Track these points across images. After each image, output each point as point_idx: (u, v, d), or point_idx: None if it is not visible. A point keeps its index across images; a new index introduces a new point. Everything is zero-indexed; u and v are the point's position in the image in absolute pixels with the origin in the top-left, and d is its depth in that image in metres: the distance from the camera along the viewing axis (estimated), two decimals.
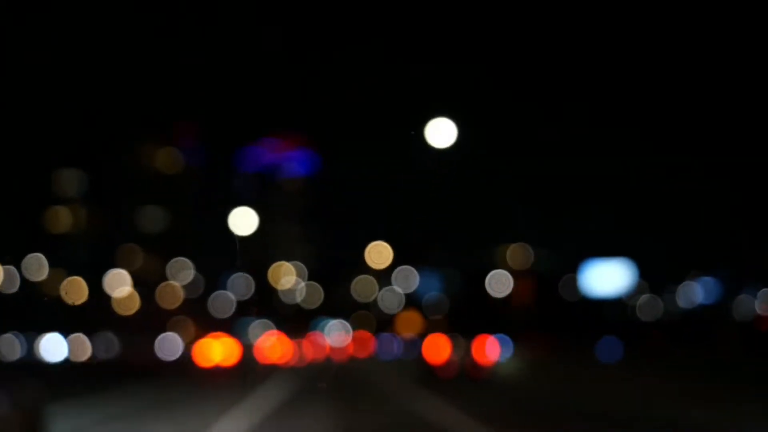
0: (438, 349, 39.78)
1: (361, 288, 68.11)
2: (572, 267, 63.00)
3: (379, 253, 65.63)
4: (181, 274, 59.14)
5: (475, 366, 35.98)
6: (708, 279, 60.53)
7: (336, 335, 73.16)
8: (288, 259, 69.56)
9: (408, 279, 67.39)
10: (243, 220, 47.74)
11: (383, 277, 68.92)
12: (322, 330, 72.95)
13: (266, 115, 66.86)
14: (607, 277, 60.37)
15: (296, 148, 70.57)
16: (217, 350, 45.81)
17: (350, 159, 61.58)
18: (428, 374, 35.19)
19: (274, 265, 63.10)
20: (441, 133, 29.30)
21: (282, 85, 65.41)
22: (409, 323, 66.62)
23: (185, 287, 59.01)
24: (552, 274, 64.52)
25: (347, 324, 73.15)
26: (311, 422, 17.96)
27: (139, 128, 60.86)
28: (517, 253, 64.62)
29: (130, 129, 59.49)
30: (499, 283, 62.12)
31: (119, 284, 53.59)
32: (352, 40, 56.54)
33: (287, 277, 66.17)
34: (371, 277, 67.71)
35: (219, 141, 63.01)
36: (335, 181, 67.11)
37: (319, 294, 69.85)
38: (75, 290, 53.16)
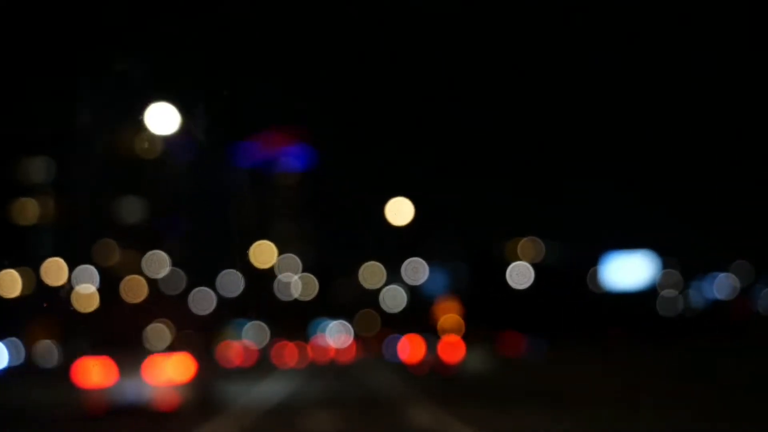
0: (412, 349, 44.14)
1: (370, 275, 65.66)
2: (586, 260, 60.92)
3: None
4: (156, 268, 55.21)
5: (442, 365, 39.38)
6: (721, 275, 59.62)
7: (337, 338, 70.49)
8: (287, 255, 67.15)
9: (417, 272, 64.93)
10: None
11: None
12: (323, 332, 70.80)
13: (262, 109, 64.63)
14: (629, 270, 57.53)
15: (293, 142, 68.87)
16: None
17: (350, 153, 61.57)
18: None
19: (255, 244, 59.38)
20: None
21: (279, 79, 65.18)
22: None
23: (162, 282, 55.09)
24: (567, 268, 62.64)
25: (348, 325, 70.72)
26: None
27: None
28: (528, 247, 63.20)
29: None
30: (520, 275, 60.82)
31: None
32: (352, 35, 53.89)
33: (268, 255, 62.01)
34: (379, 264, 65.16)
35: (215, 134, 62.06)
36: (336, 177, 65.38)
37: (314, 285, 67.36)
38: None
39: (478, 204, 60.26)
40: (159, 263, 56.25)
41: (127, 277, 53.03)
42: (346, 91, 60.30)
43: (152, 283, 54.23)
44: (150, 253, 55.56)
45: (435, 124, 61.15)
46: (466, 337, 46.99)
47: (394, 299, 66.34)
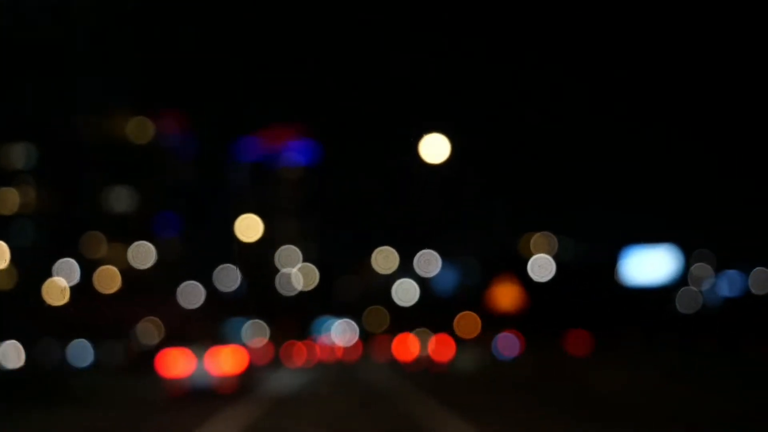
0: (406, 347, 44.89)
1: (383, 260, 64.05)
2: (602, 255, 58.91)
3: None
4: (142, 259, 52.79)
5: (432, 363, 40.39)
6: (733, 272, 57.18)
7: (341, 338, 67.18)
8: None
9: (430, 264, 63.33)
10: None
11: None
12: (326, 332, 67.32)
13: (266, 105, 69.64)
14: (650, 265, 54.82)
15: (295, 138, 69.29)
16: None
17: (356, 149, 61.27)
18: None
19: (240, 218, 56.95)
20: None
21: (282, 76, 64.92)
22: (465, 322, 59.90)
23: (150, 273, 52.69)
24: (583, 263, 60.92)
25: (353, 324, 67.49)
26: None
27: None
28: (541, 242, 61.45)
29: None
30: (542, 268, 59.24)
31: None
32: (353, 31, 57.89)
33: (253, 229, 59.72)
34: (392, 249, 63.52)
35: (216, 130, 63.82)
36: (344, 174, 65.06)
37: (314, 276, 65.60)
38: None
39: (491, 199, 60.03)
40: (146, 255, 53.78)
41: (101, 268, 50.53)
42: (349, 86, 61.91)
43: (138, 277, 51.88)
44: (136, 244, 53.16)
45: (440, 120, 58.83)
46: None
47: (407, 293, 64.46)
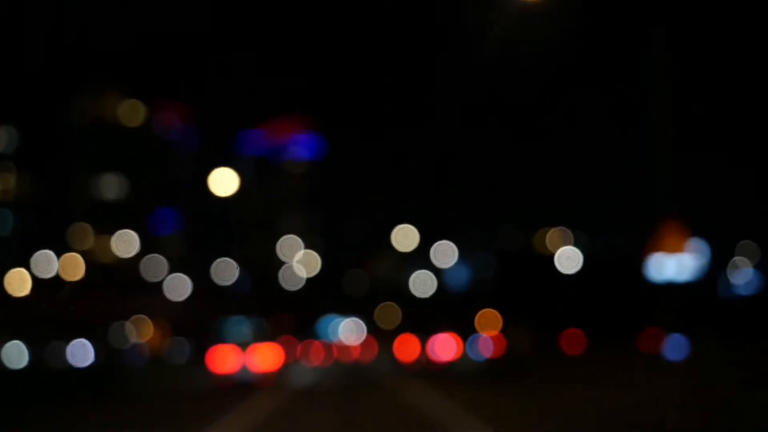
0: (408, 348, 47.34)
1: (402, 237, 62.91)
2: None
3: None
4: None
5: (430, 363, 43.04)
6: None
7: (348, 338, 63.14)
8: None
9: (446, 255, 62.25)
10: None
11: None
12: (327, 335, 62.78)
13: (271, 98, 66.43)
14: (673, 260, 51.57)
15: (301, 131, 68.53)
16: None
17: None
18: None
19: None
20: None
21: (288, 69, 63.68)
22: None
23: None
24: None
25: (361, 323, 63.49)
26: None
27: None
28: (557, 237, 59.94)
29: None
30: (570, 260, 58.06)
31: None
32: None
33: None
34: (411, 226, 62.56)
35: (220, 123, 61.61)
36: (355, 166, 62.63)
37: (316, 262, 64.38)
38: None
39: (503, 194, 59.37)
40: (129, 243, 51.39)
41: (65, 255, 47.90)
42: (355, 79, 60.42)
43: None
44: (120, 232, 50.83)
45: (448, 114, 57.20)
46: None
47: (424, 284, 62.93)
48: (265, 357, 24.86)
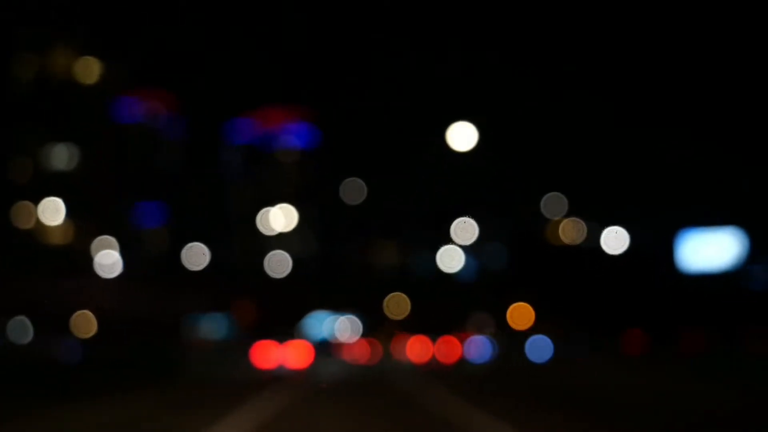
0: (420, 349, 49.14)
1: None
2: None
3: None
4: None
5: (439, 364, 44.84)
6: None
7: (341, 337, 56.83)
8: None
9: (467, 231, 61.37)
10: None
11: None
12: (311, 335, 53.78)
13: (261, 86, 66.30)
14: (709, 250, 53.25)
15: (293, 120, 67.22)
16: None
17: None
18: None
19: None
20: None
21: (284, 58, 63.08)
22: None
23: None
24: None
25: (357, 320, 57.66)
26: None
27: None
28: (570, 227, 60.27)
29: None
30: (616, 240, 57.38)
31: None
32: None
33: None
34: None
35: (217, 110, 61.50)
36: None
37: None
38: None
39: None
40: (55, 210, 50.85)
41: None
42: (351, 71, 60.28)
43: None
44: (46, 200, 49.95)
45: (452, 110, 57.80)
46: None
47: (452, 259, 61.30)
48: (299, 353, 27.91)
